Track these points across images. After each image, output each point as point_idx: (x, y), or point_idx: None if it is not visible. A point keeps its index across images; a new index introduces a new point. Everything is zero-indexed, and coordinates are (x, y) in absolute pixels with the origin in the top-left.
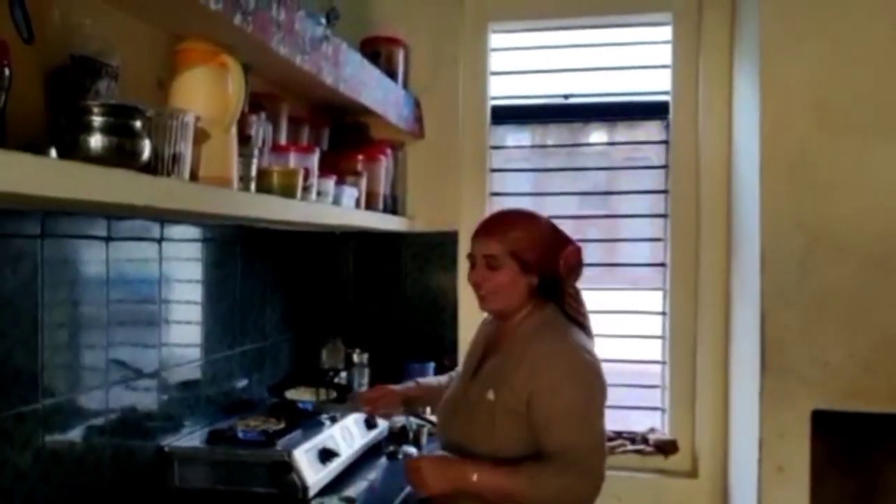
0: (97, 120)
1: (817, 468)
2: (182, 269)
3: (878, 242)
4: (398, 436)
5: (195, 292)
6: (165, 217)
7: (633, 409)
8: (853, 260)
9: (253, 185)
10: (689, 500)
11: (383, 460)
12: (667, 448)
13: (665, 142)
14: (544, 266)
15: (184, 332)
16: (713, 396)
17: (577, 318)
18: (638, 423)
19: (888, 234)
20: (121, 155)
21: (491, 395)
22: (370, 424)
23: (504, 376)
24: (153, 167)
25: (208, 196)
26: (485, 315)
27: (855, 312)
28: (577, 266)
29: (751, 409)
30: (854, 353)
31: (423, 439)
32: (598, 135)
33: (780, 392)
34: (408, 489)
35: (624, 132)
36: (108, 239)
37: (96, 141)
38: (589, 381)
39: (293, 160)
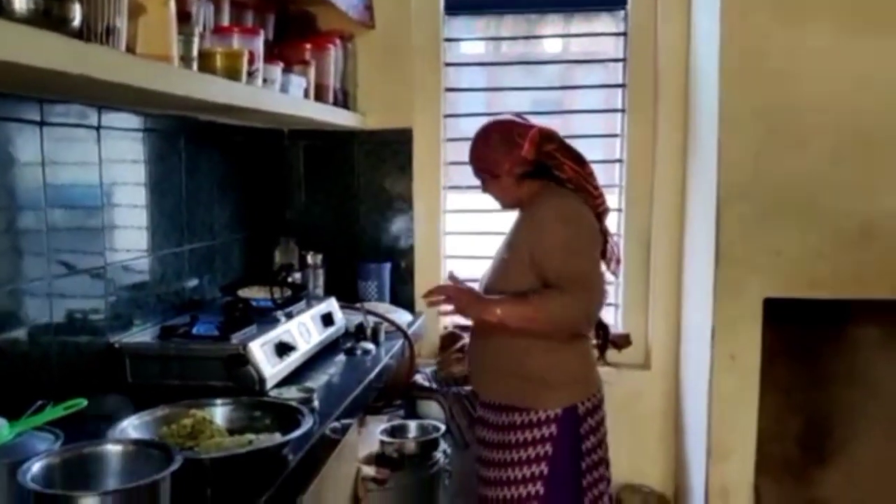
0: None
1: (768, 355)
2: (123, 160)
3: (834, 133)
4: (355, 333)
5: (137, 185)
6: (102, 102)
7: None
8: (808, 150)
9: (195, 66)
10: (642, 391)
11: (341, 356)
12: (620, 342)
13: (623, 34)
14: (507, 165)
15: (127, 223)
16: (666, 291)
17: (572, 185)
18: None
19: (843, 125)
20: (48, 19)
21: (506, 255)
22: (327, 321)
23: (515, 237)
24: (84, 38)
25: (148, 70)
26: None
27: (809, 202)
28: (541, 142)
29: (704, 299)
30: (806, 243)
31: (381, 336)
32: (554, 28)
33: (734, 282)
34: (366, 381)
35: (581, 25)
36: (41, 123)
37: (21, 2)
38: (578, 221)
39: (237, 42)
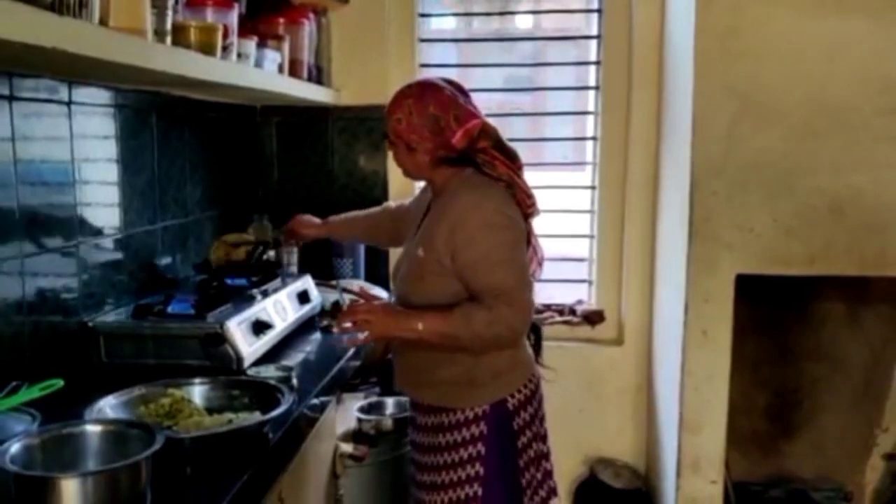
0: None
1: (739, 331)
2: (94, 136)
3: (804, 109)
4: (332, 311)
5: (109, 161)
6: (73, 77)
7: (562, 283)
8: (779, 127)
9: (169, 41)
10: (615, 366)
11: (317, 335)
12: (593, 318)
13: (598, 10)
14: (431, 145)
15: (99, 200)
16: (640, 267)
17: (495, 178)
18: (566, 296)
19: (813, 101)
20: None
21: (421, 253)
22: (303, 299)
23: (431, 234)
24: (57, 11)
25: (122, 44)
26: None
27: (780, 179)
28: (477, 137)
29: (677, 275)
30: (777, 219)
31: None
32: (528, 4)
33: (707, 258)
34: (344, 359)
35: (555, 0)
36: (10, 98)
37: None
38: (504, 226)
39: (211, 15)
